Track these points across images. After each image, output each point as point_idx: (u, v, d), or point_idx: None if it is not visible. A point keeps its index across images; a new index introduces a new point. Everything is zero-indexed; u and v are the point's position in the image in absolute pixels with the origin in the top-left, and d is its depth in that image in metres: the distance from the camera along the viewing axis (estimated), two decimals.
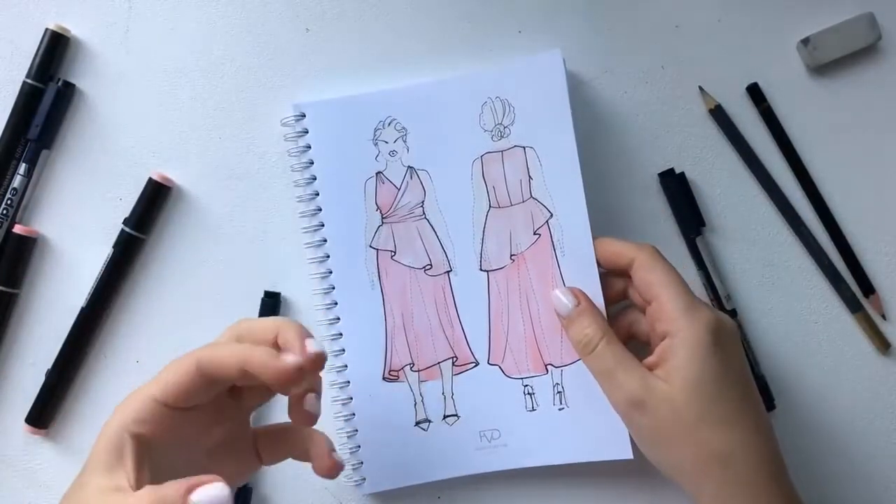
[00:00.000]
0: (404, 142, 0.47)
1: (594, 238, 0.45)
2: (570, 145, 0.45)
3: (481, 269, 0.47)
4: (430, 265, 0.47)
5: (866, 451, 0.48)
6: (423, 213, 0.47)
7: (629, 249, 0.43)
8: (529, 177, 0.46)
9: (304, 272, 0.48)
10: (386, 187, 0.47)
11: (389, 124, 0.47)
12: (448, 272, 0.47)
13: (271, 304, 0.48)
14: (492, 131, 0.47)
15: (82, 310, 0.48)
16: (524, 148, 0.46)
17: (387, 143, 0.47)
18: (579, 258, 0.45)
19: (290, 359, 0.36)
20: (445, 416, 0.47)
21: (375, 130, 0.47)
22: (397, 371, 0.47)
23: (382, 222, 0.47)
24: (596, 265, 0.45)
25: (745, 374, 0.41)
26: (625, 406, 0.41)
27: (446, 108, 0.47)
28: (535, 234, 0.46)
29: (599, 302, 0.45)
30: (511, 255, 0.47)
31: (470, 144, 0.47)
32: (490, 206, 0.47)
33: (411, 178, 0.47)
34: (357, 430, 0.47)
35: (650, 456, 0.42)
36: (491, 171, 0.47)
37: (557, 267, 0.46)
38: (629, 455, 0.44)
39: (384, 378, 0.47)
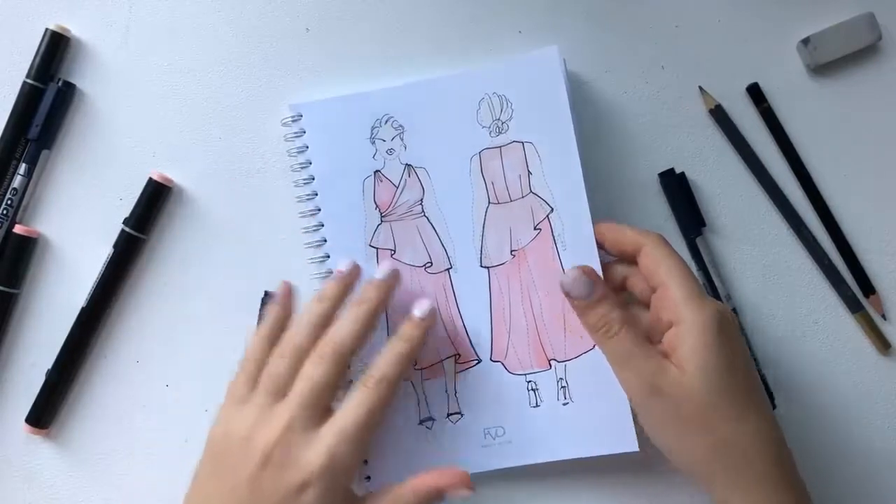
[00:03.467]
0: (402, 140, 0.47)
1: (600, 223, 0.45)
2: (570, 139, 0.45)
3: (482, 266, 0.47)
4: (431, 263, 0.47)
5: (866, 450, 0.48)
6: (423, 211, 0.47)
7: (637, 236, 0.43)
8: (529, 172, 0.46)
9: (304, 272, 0.48)
10: (384, 185, 0.47)
11: (386, 122, 0.47)
12: (448, 269, 0.47)
13: None
14: (489, 127, 0.46)
15: (82, 310, 0.48)
16: (523, 143, 0.46)
17: (384, 141, 0.47)
18: (581, 251, 0.45)
19: None
20: (449, 414, 0.47)
21: (373, 129, 0.47)
22: None
23: (381, 221, 0.47)
24: (598, 258, 0.44)
25: (752, 365, 0.41)
26: (641, 391, 0.40)
27: (443, 105, 0.47)
28: (535, 228, 0.46)
29: None
30: (511, 251, 0.46)
31: (468, 141, 0.46)
32: (489, 203, 0.47)
33: (409, 175, 0.47)
34: None
35: (662, 443, 0.41)
36: (489, 167, 0.46)
37: (559, 261, 0.46)
38: (635, 447, 0.44)
39: None
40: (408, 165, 0.47)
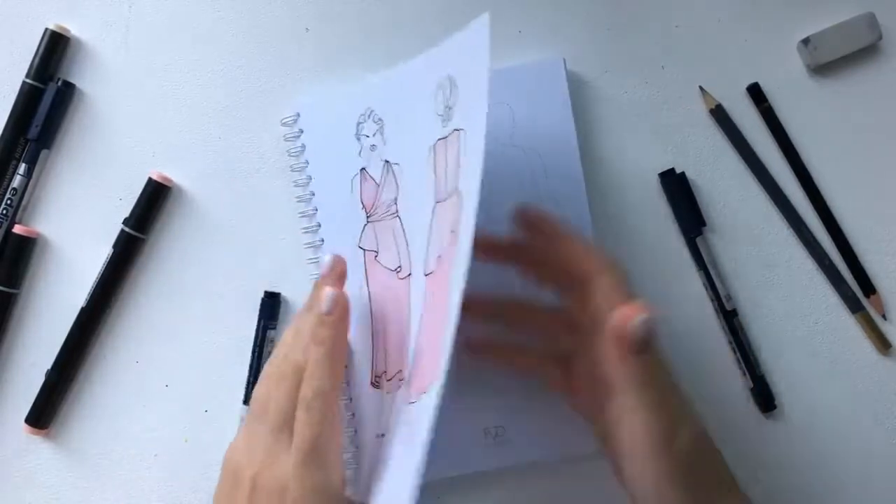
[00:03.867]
0: (381, 135, 0.44)
1: (560, 227, 0.38)
2: (480, 123, 0.35)
3: (425, 274, 0.39)
4: (400, 267, 0.43)
5: (866, 451, 0.48)
6: (396, 211, 0.43)
7: (591, 262, 0.37)
8: (458, 164, 0.38)
9: (304, 272, 0.48)
10: (368, 184, 0.45)
11: (369, 117, 0.45)
12: (409, 276, 0.42)
13: (271, 304, 0.48)
14: (443, 115, 0.40)
15: (82, 310, 0.48)
16: (459, 131, 0.38)
17: (368, 136, 0.45)
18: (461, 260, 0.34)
19: None
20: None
21: (358, 124, 0.45)
22: (378, 378, 0.43)
23: (367, 221, 0.45)
24: (466, 273, 0.33)
25: None
26: (661, 437, 0.36)
27: (410, 93, 0.42)
28: (451, 232, 0.37)
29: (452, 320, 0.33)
30: (438, 257, 0.38)
31: (428, 132, 0.40)
32: (435, 201, 0.40)
33: (388, 173, 0.44)
34: (356, 431, 0.46)
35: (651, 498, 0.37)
36: (439, 160, 0.40)
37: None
38: None
39: (371, 384, 0.43)
40: (386, 162, 0.44)
